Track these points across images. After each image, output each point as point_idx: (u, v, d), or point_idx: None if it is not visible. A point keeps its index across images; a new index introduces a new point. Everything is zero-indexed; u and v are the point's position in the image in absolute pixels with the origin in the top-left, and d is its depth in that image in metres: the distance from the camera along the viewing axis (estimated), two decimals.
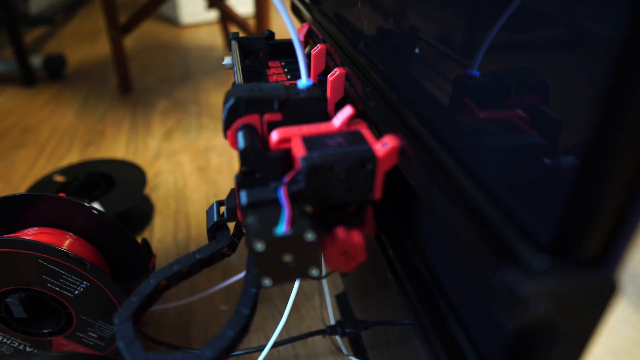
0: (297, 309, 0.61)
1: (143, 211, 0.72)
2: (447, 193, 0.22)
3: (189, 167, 0.94)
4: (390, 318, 0.35)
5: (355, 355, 0.54)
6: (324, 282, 0.64)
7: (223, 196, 0.86)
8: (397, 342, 0.35)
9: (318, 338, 0.57)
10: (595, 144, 0.15)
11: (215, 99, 1.27)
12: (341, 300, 0.60)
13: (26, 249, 0.39)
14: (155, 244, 0.71)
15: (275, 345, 0.44)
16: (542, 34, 0.17)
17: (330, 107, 0.39)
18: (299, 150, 0.27)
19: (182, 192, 0.86)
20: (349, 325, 0.55)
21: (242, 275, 0.61)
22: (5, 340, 0.44)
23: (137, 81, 1.40)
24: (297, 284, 0.45)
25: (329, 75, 0.39)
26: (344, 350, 0.55)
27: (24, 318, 0.42)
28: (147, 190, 0.85)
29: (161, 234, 0.74)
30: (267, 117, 0.31)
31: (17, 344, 0.45)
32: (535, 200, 0.18)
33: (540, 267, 0.16)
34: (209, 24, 1.96)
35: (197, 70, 1.49)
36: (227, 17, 1.38)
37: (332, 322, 0.59)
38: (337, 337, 0.57)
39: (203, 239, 0.73)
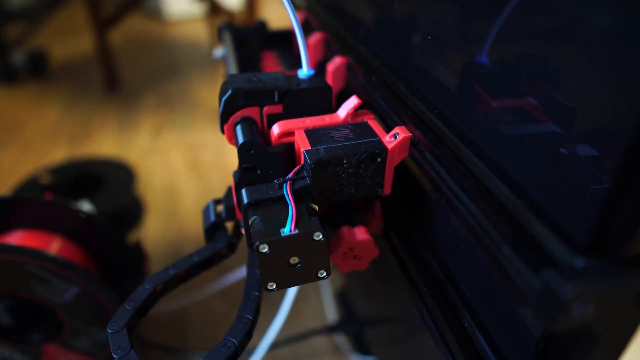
0: (294, 306, 0.60)
1: (134, 211, 0.70)
2: (467, 188, 0.20)
3: (180, 165, 0.92)
4: (399, 314, 0.34)
5: (359, 352, 0.53)
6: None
7: (216, 193, 0.84)
8: (406, 338, 0.34)
9: (318, 336, 0.56)
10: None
11: (205, 94, 1.25)
12: (342, 298, 0.58)
13: (12, 254, 0.37)
14: (148, 245, 0.69)
15: (274, 345, 0.43)
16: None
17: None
18: (303, 144, 0.25)
19: (174, 190, 0.84)
20: (351, 323, 0.54)
21: (237, 272, 0.59)
22: None
23: (123, 77, 1.36)
24: None
25: (328, 65, 0.37)
26: (345, 349, 0.54)
27: (11, 327, 0.40)
28: (138, 189, 0.82)
29: (154, 235, 0.72)
30: (267, 109, 0.29)
31: (6, 353, 0.42)
32: (570, 195, 0.16)
33: (582, 268, 0.15)
34: (194, 19, 1.92)
35: (184, 65, 1.46)
36: (215, 9, 1.35)
37: (332, 319, 0.58)
38: (339, 336, 0.55)
39: (197, 238, 0.71)
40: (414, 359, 0.33)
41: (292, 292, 0.41)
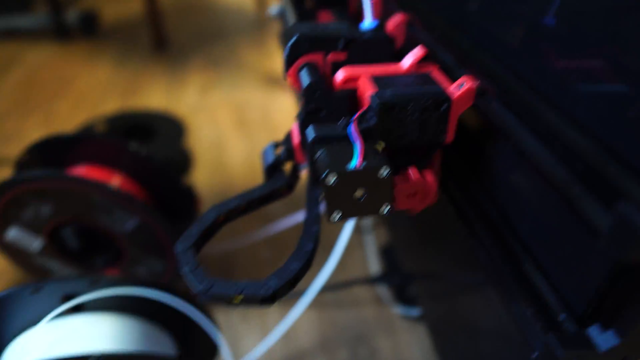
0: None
1: (182, 163, 0.73)
2: (538, 131, 0.21)
3: (227, 121, 0.95)
4: (449, 265, 0.34)
5: (402, 304, 0.54)
6: (368, 233, 0.64)
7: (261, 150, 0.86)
8: (454, 289, 0.34)
9: (361, 287, 0.58)
10: None
11: (251, 57, 1.26)
12: (386, 255, 0.60)
13: (79, 184, 0.40)
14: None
15: (320, 291, 0.45)
16: None
17: None
18: (368, 89, 0.26)
19: (222, 144, 0.87)
20: (395, 275, 0.56)
21: (282, 222, 0.61)
22: (60, 269, 0.46)
23: (171, 38, 1.39)
24: (349, 231, 0.45)
25: (388, 22, 0.37)
26: (388, 300, 0.56)
27: (77, 250, 0.43)
28: (186, 144, 0.85)
29: (201, 186, 0.75)
30: (331, 56, 0.30)
31: (72, 273, 0.46)
32: None
33: None
34: None
35: (231, 30, 1.47)
36: None
37: (376, 272, 0.59)
38: (383, 288, 0.57)
39: (244, 189, 0.74)
40: (460, 309, 0.33)
41: (341, 242, 0.42)
